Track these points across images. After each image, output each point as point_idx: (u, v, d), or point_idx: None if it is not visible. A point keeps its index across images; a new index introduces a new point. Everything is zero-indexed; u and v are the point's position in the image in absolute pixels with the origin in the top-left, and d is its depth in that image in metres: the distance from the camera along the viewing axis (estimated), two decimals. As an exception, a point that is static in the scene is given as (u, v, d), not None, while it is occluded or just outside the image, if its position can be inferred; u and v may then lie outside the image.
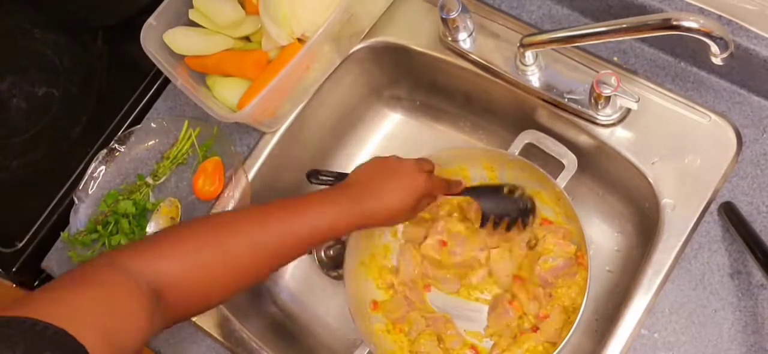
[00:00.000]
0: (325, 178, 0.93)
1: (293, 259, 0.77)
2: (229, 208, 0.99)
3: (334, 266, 1.08)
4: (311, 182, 0.93)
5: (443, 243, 0.99)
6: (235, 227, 0.72)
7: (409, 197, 0.81)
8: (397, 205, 0.80)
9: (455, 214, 1.01)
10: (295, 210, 0.75)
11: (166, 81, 1.10)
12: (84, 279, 0.60)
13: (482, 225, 0.95)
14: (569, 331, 0.84)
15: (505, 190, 0.95)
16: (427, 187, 0.83)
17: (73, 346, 0.50)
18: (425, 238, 0.99)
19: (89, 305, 0.56)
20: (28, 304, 0.53)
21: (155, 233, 0.76)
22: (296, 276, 1.11)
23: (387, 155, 0.86)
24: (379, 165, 0.83)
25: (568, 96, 0.91)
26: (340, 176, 0.90)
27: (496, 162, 0.98)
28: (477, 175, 0.99)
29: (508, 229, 0.95)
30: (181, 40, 0.99)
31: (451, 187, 0.91)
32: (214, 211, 1.00)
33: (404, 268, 1.00)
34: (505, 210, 0.94)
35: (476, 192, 0.94)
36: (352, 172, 0.84)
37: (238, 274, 0.71)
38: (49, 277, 1.06)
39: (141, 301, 0.60)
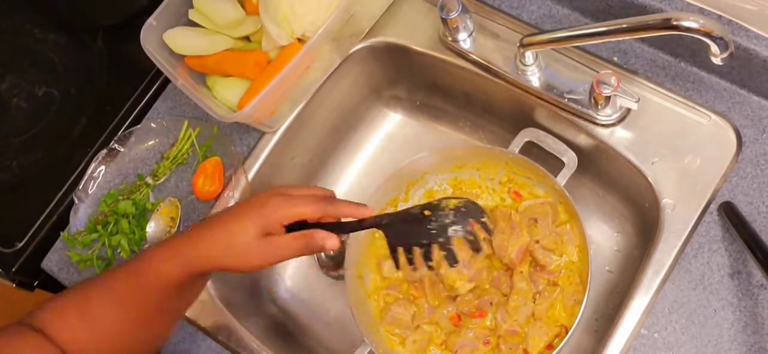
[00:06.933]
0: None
1: (171, 315, 0.76)
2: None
3: (334, 266, 1.08)
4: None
5: (458, 318, 0.94)
6: (103, 294, 0.71)
7: (250, 224, 0.67)
8: (233, 241, 0.67)
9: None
10: (138, 265, 0.71)
11: (166, 81, 1.10)
12: (3, 344, 0.64)
13: (396, 262, 0.80)
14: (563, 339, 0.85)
15: (426, 211, 0.80)
16: (280, 212, 0.67)
17: None
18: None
19: None
20: None
21: (67, 293, 0.72)
22: (296, 276, 1.11)
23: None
24: (238, 203, 0.74)
25: (568, 96, 0.91)
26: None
27: (496, 160, 0.98)
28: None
29: (427, 259, 0.80)
30: (181, 40, 0.99)
31: (340, 212, 0.73)
32: (214, 210, 1.00)
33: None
34: (418, 236, 0.79)
35: (386, 221, 0.78)
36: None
37: (131, 336, 0.72)
38: (48, 277, 1.05)
39: None
